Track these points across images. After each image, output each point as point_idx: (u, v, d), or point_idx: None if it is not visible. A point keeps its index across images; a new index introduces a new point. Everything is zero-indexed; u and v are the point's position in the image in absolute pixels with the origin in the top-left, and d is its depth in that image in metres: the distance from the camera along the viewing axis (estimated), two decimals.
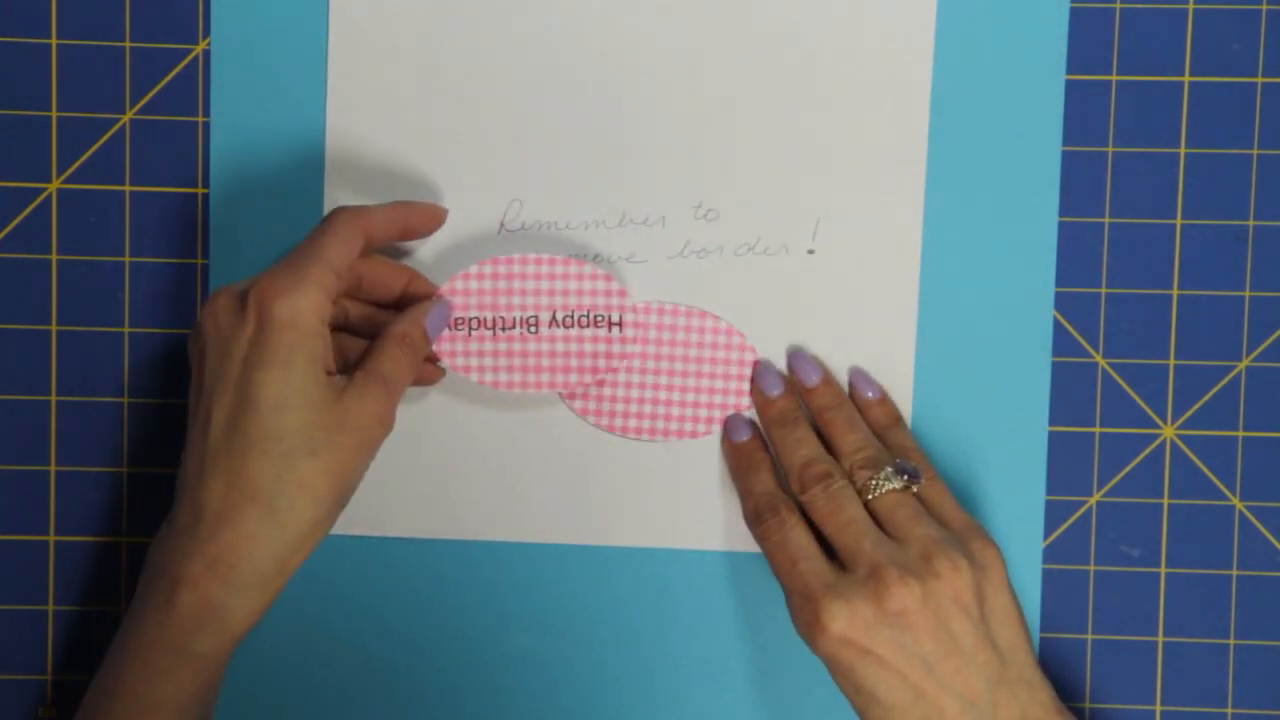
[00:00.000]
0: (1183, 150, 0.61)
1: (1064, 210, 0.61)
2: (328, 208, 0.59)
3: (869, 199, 0.60)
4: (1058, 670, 0.61)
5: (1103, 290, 0.61)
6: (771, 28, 0.59)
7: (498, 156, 0.60)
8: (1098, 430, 0.61)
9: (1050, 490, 0.61)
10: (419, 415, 0.60)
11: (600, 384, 0.59)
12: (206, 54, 0.61)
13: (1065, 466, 0.61)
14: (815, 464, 0.57)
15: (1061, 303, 0.61)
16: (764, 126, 0.60)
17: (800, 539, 0.56)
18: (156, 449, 0.61)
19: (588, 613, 0.61)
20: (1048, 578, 0.61)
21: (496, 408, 0.60)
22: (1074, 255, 0.61)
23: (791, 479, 0.57)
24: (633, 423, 0.60)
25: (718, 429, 0.60)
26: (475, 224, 0.60)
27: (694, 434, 0.60)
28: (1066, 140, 0.61)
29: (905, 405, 0.60)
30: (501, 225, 0.60)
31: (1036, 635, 0.61)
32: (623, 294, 0.58)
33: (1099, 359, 0.61)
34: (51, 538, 0.61)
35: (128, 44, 0.61)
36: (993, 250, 0.61)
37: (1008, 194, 0.61)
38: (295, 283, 0.52)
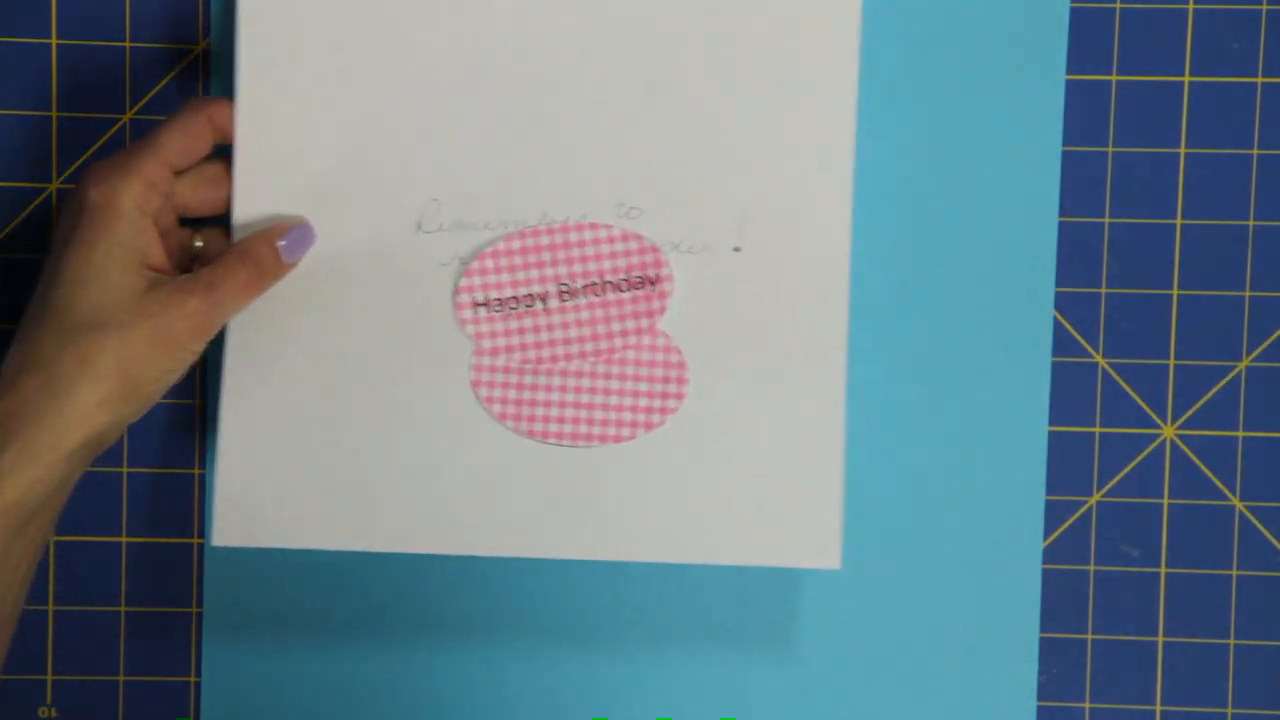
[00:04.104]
0: (1183, 150, 0.61)
1: (1064, 210, 0.61)
2: (238, 212, 0.57)
3: (795, 195, 0.58)
4: (1058, 670, 0.61)
5: (1103, 290, 0.61)
6: (691, 23, 0.58)
7: (414, 157, 0.58)
8: (1098, 430, 0.61)
9: (1050, 490, 0.61)
10: (341, 424, 0.58)
11: (520, 387, 0.58)
12: (206, 54, 0.61)
13: (1065, 466, 0.61)
14: None
15: (1061, 303, 0.61)
16: (685, 122, 0.58)
17: None
18: (157, 449, 0.61)
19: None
20: (1048, 578, 0.61)
21: (413, 415, 0.58)
22: (1074, 255, 0.61)
23: None
24: (554, 427, 0.58)
25: (643, 433, 0.58)
26: (392, 226, 0.58)
27: (617, 438, 0.58)
28: (1066, 140, 0.61)
29: (837, 406, 0.58)
30: (419, 226, 0.58)
31: (1037, 635, 0.61)
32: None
33: (1099, 359, 0.61)
34: (52, 538, 0.61)
35: (128, 44, 0.61)
36: (993, 250, 0.61)
37: (1008, 194, 0.61)
38: (116, 170, 0.53)
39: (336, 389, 0.57)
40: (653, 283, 0.58)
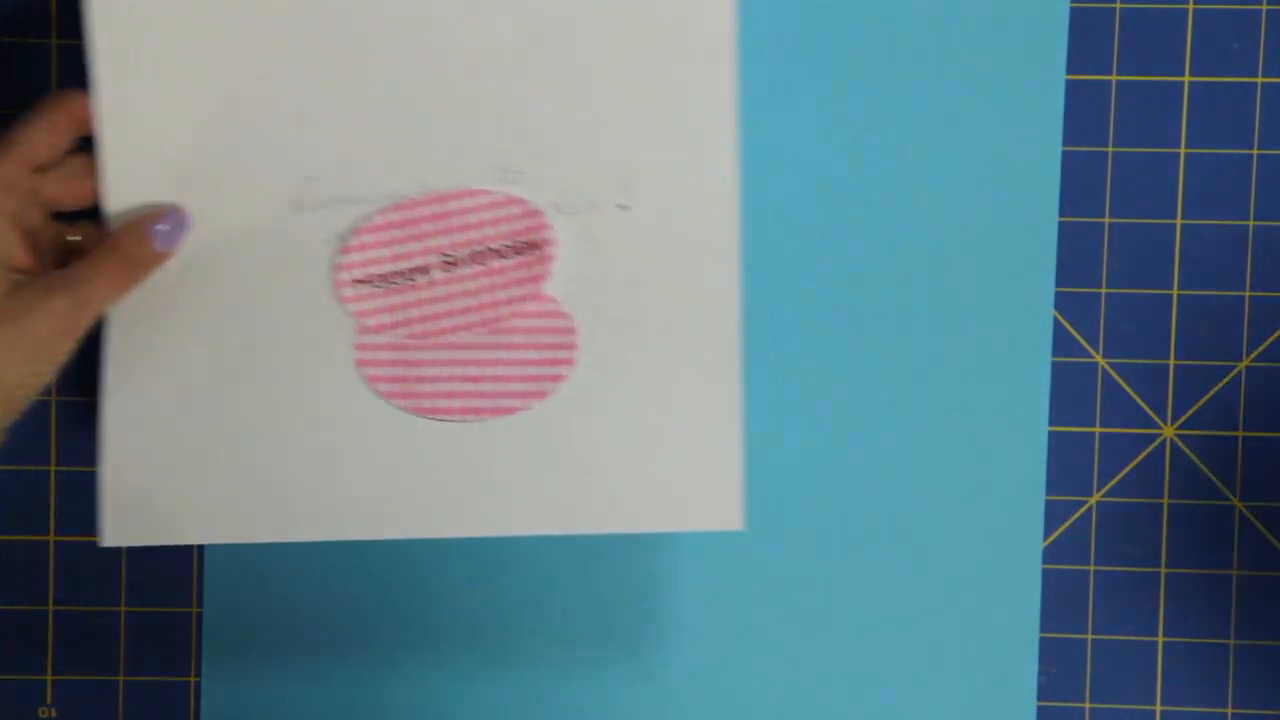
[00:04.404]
0: (1183, 150, 0.61)
1: (1064, 210, 0.61)
2: (110, 203, 0.55)
3: (678, 150, 0.56)
4: (1058, 670, 0.61)
5: (1103, 290, 0.61)
6: None
7: (286, 134, 0.56)
8: (1098, 430, 0.61)
9: (1050, 490, 0.61)
10: (228, 414, 0.56)
11: (407, 364, 0.56)
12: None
13: (1065, 466, 0.61)
14: None
15: (1061, 303, 0.61)
16: (562, 81, 0.56)
17: None
18: None
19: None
20: (1048, 578, 0.61)
21: (299, 400, 0.56)
22: (1074, 255, 0.61)
23: None
24: (443, 403, 0.56)
25: (535, 403, 0.56)
26: (269, 206, 0.56)
27: (509, 410, 0.56)
28: (1066, 140, 0.61)
29: (732, 362, 0.56)
30: (297, 205, 0.56)
31: (1037, 635, 0.61)
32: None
33: (1099, 359, 0.61)
34: (51, 538, 0.61)
35: None
36: (993, 250, 0.61)
37: (1008, 194, 0.61)
38: None
39: (221, 378, 0.56)
40: (536, 247, 0.56)
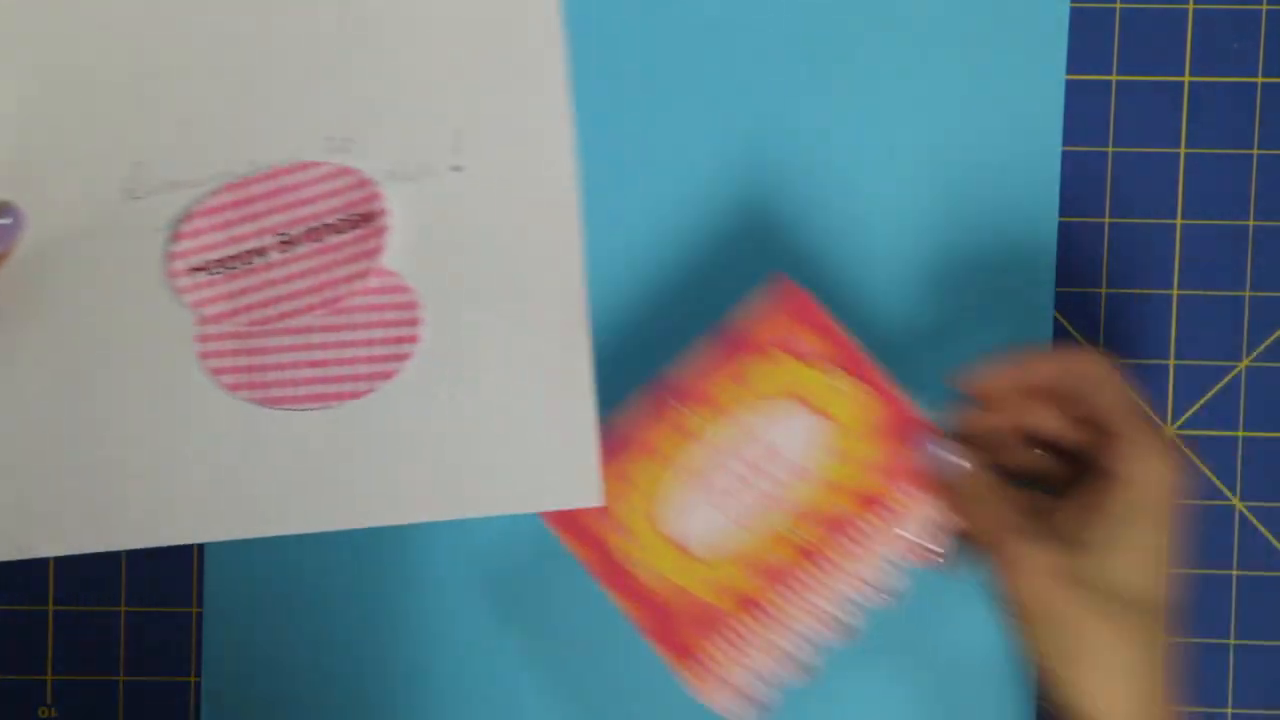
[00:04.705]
0: (1183, 150, 0.61)
1: (1064, 210, 0.61)
2: None
3: (510, 108, 0.54)
4: None
5: (1103, 290, 0.61)
6: None
7: (111, 121, 0.54)
8: None
9: None
10: (70, 416, 0.54)
11: (250, 353, 0.54)
12: None
13: None
14: None
15: (1061, 303, 0.61)
16: (384, 44, 0.54)
17: None
18: None
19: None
20: None
21: (142, 398, 0.54)
22: (1074, 255, 0.61)
23: None
24: (289, 392, 0.54)
25: (383, 385, 0.54)
26: (100, 196, 0.54)
27: (356, 394, 0.54)
28: (1066, 140, 0.61)
29: (578, 333, 0.54)
30: (129, 193, 0.54)
31: None
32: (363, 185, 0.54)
33: None
34: None
35: None
36: (993, 249, 0.61)
37: (1008, 194, 0.61)
38: None
39: (61, 379, 0.54)
40: (370, 218, 0.54)
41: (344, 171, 0.54)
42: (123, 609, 0.62)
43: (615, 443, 0.55)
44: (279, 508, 0.54)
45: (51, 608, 0.62)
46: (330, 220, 0.54)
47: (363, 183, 0.54)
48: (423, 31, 0.54)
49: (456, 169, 0.54)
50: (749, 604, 0.54)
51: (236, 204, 0.54)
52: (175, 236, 0.54)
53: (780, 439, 0.55)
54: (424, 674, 0.62)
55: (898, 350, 0.61)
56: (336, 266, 0.54)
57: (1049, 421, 0.53)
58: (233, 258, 0.54)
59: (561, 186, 0.54)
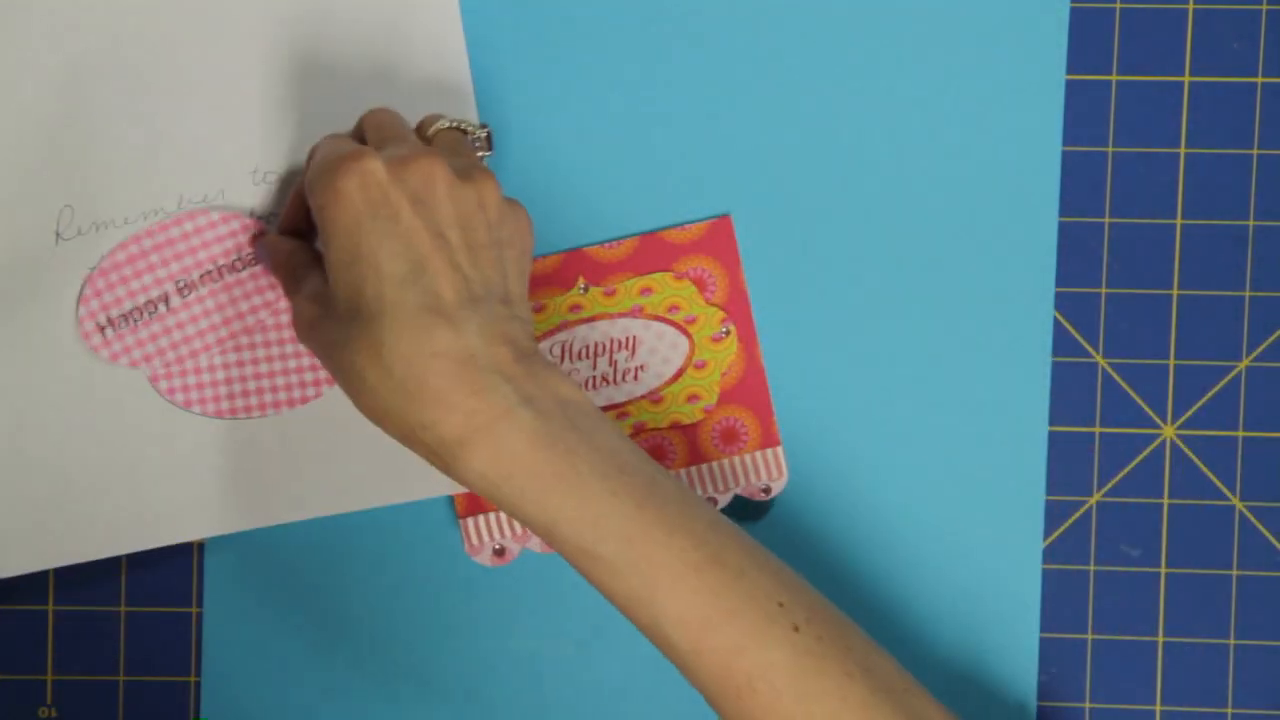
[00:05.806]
0: (1183, 150, 0.61)
1: (1064, 210, 0.61)
2: None
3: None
4: (1058, 670, 0.61)
5: (1103, 290, 0.61)
6: None
7: (40, 163, 0.55)
8: (1098, 430, 0.61)
9: (1050, 490, 0.61)
10: (22, 448, 0.57)
11: (198, 370, 0.57)
12: None
13: (1065, 466, 0.61)
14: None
15: (1061, 303, 0.61)
16: (304, 78, 0.57)
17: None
18: None
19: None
20: (1048, 578, 0.61)
21: (94, 420, 0.57)
22: (1074, 255, 0.61)
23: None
24: (240, 402, 0.57)
25: (328, 390, 0.57)
26: (26, 242, 0.55)
27: (304, 400, 0.57)
28: (1066, 140, 0.61)
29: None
30: (57, 235, 0.56)
31: (1036, 635, 0.61)
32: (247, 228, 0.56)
33: (1099, 359, 0.61)
34: None
35: None
36: (993, 250, 0.61)
37: (1008, 194, 0.61)
38: None
39: (9, 416, 0.56)
40: (256, 261, 0.57)
41: (233, 217, 0.57)
42: (123, 609, 0.62)
43: None
44: (229, 510, 0.58)
45: (51, 608, 0.62)
46: (225, 262, 0.57)
47: (250, 225, 0.57)
48: (332, 64, 0.57)
49: None
50: None
51: (131, 259, 0.56)
52: (81, 299, 0.56)
53: (647, 354, 0.59)
54: (424, 674, 0.62)
55: (897, 349, 0.61)
56: (240, 301, 0.57)
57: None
58: (136, 310, 0.56)
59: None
